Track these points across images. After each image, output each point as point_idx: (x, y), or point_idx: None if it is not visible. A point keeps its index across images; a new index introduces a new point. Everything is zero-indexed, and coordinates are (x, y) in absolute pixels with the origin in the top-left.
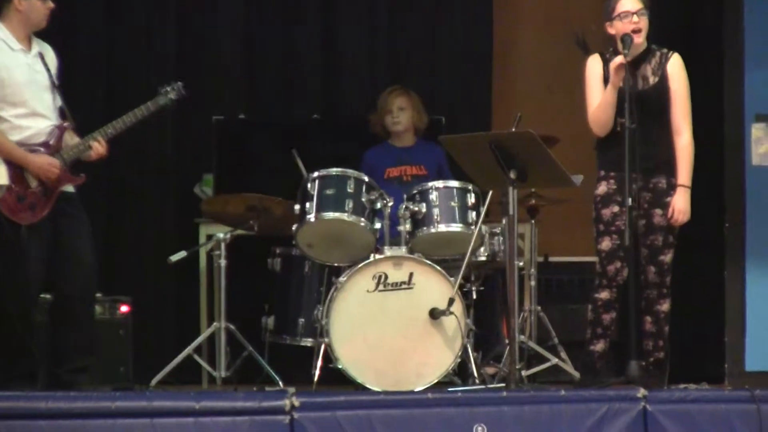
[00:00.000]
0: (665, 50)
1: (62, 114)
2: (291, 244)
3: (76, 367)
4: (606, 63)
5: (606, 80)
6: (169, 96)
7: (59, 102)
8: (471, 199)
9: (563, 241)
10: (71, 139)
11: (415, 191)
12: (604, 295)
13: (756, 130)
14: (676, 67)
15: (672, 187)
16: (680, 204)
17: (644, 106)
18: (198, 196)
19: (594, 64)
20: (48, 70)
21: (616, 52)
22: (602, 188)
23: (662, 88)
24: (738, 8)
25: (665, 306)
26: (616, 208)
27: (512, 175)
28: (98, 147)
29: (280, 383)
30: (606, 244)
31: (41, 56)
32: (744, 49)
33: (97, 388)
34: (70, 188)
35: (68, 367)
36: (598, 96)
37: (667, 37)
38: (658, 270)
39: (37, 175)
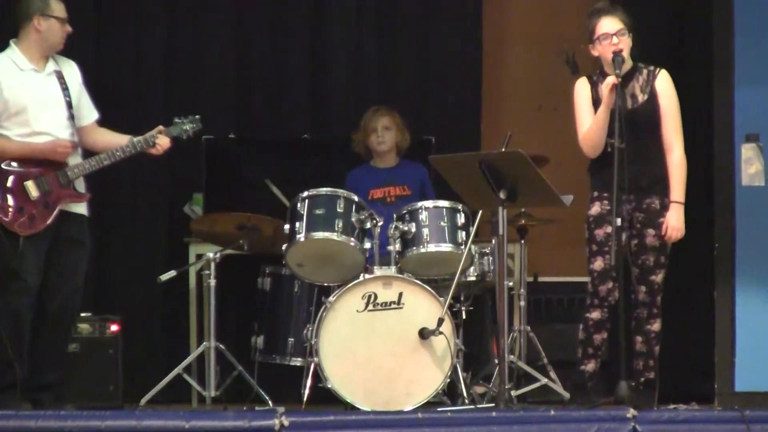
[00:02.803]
0: (652, 67)
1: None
2: (281, 264)
3: (40, 384)
4: (594, 85)
5: (595, 102)
6: (183, 127)
7: (90, 117)
8: (461, 218)
9: (553, 261)
10: (79, 157)
11: (404, 211)
12: (595, 315)
13: (746, 150)
14: (664, 83)
15: (665, 208)
16: (674, 221)
17: (634, 124)
18: (188, 216)
19: (582, 87)
20: (65, 88)
21: (603, 74)
22: (595, 208)
23: (652, 105)
24: (728, 27)
25: (656, 326)
26: (609, 229)
27: (502, 194)
28: (165, 141)
29: (270, 402)
30: (598, 264)
31: (58, 75)
32: (734, 69)
33: (61, 407)
34: (81, 209)
35: (33, 383)
36: (589, 118)
37: (657, 56)
38: (649, 290)
39: (52, 157)
